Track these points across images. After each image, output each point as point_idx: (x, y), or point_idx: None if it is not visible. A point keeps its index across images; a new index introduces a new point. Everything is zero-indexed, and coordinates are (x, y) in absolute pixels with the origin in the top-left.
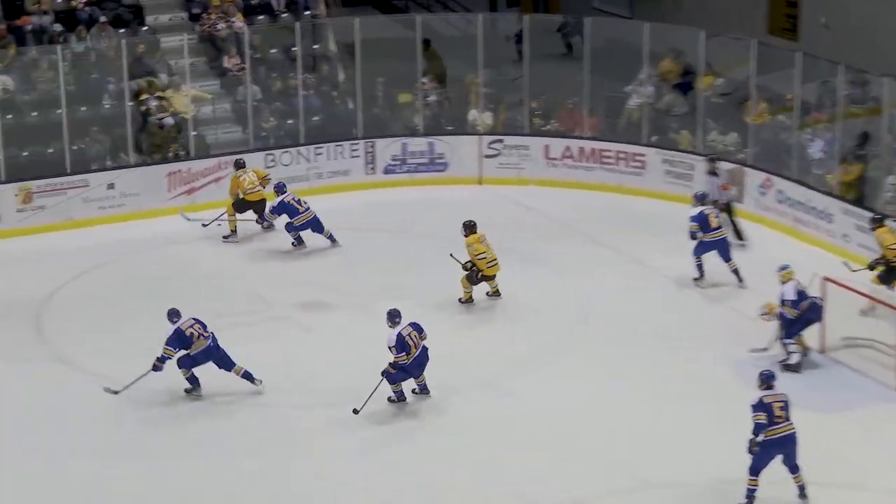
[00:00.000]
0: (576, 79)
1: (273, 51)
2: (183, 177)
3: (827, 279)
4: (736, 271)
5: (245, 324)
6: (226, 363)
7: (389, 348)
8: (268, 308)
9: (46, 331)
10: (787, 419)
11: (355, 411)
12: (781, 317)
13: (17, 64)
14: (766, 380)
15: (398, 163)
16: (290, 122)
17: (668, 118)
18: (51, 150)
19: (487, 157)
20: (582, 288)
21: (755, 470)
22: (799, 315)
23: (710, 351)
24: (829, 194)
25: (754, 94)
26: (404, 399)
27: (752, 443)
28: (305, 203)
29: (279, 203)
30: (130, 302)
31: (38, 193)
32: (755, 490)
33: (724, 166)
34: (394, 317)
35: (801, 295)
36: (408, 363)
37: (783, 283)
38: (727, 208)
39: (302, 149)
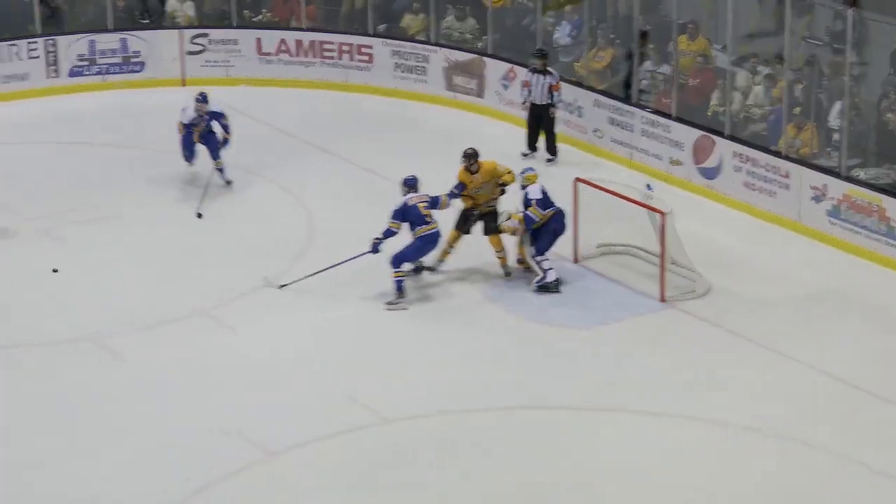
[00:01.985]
0: None
1: None
2: None
3: (578, 179)
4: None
5: None
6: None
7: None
8: None
9: None
10: (433, 217)
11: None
12: (527, 220)
13: None
14: (409, 183)
15: (86, 63)
16: None
17: (398, 2)
18: None
19: (191, 53)
20: (308, 206)
21: (398, 262)
22: (542, 225)
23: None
24: (579, 84)
25: None
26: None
27: (375, 242)
28: None
29: None
30: None
31: None
32: (402, 280)
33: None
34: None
35: (546, 200)
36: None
37: (525, 186)
38: (548, 117)
39: None
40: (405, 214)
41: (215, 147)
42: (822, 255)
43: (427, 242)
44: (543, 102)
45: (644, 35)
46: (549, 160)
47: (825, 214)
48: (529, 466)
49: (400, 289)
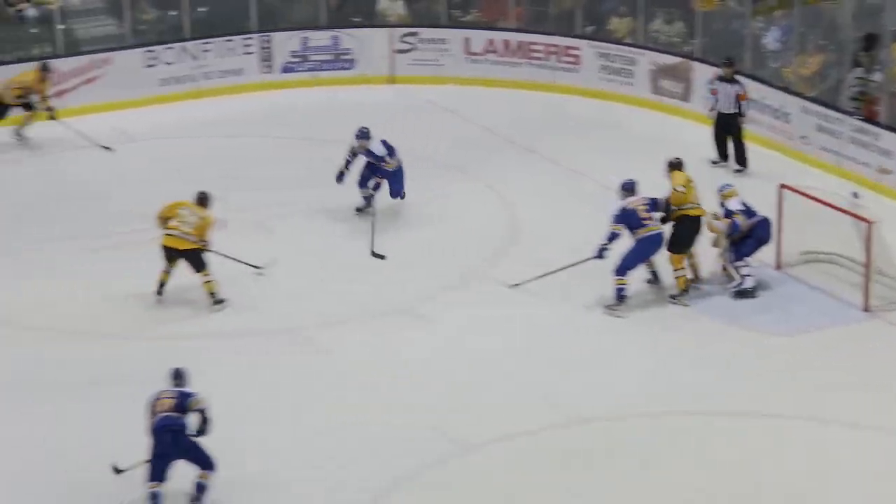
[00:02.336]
0: None
1: None
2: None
3: (784, 186)
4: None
5: (130, 243)
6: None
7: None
8: (151, 227)
9: None
10: (653, 219)
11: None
12: (733, 226)
13: None
14: (627, 187)
15: (298, 60)
16: (172, 13)
17: (606, 5)
18: None
19: (400, 52)
20: (513, 204)
21: (623, 270)
22: (746, 234)
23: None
24: (787, 90)
25: None
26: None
27: (601, 248)
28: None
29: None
30: None
31: None
32: (624, 288)
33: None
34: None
35: (748, 211)
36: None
37: (724, 201)
38: (736, 126)
39: (187, 45)
40: (624, 218)
41: (397, 185)
42: None
43: (648, 244)
44: (731, 111)
45: (870, 39)
46: (737, 170)
47: None
48: (714, 472)
49: (620, 296)
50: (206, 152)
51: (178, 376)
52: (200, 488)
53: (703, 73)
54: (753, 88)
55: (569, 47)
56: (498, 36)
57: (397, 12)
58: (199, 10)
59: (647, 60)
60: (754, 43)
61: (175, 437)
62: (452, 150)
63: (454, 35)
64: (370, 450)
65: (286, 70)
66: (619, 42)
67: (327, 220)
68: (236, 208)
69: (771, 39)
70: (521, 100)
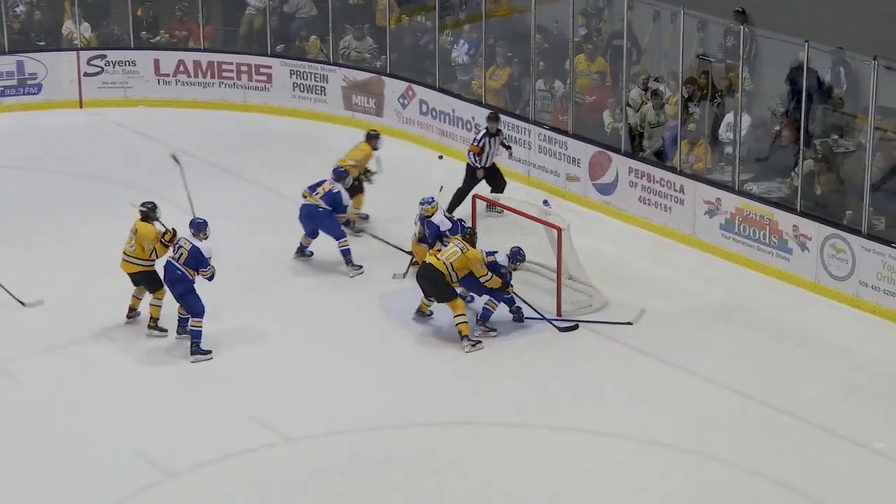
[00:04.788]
0: None
1: None
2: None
3: (477, 196)
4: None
5: None
6: None
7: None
8: None
9: None
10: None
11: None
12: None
13: None
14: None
15: None
16: None
17: (296, 23)
18: None
19: (88, 75)
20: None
21: None
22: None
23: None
24: (478, 103)
25: None
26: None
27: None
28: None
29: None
30: None
31: None
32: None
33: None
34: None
35: (452, 223)
36: None
37: (428, 216)
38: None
39: None
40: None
41: None
42: (716, 269)
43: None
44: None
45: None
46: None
47: (718, 228)
48: (437, 485)
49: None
50: None
51: (196, 227)
52: (196, 335)
53: (394, 88)
54: (444, 102)
55: (260, 66)
56: (188, 56)
57: (83, 35)
58: None
59: (339, 77)
60: (443, 57)
61: (174, 282)
62: (145, 173)
63: (143, 57)
64: (73, 482)
65: None
66: (310, 60)
67: (24, 250)
68: None
69: (460, 53)
70: (214, 120)
